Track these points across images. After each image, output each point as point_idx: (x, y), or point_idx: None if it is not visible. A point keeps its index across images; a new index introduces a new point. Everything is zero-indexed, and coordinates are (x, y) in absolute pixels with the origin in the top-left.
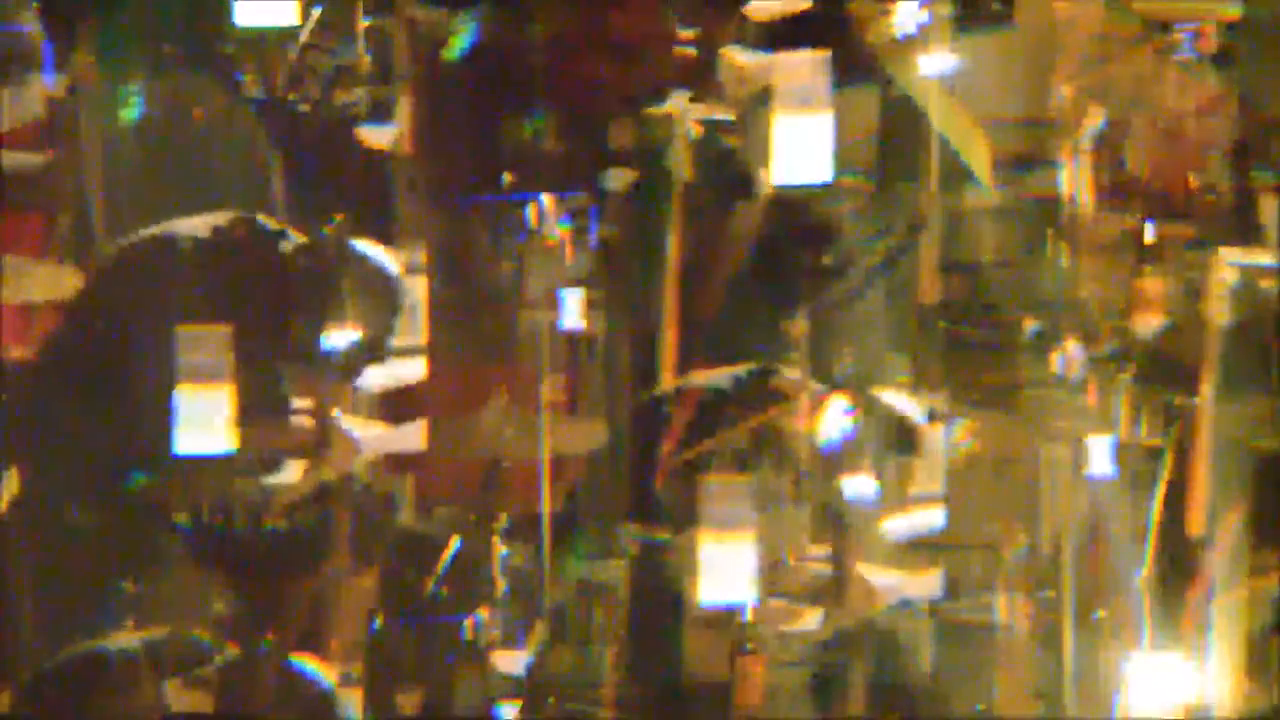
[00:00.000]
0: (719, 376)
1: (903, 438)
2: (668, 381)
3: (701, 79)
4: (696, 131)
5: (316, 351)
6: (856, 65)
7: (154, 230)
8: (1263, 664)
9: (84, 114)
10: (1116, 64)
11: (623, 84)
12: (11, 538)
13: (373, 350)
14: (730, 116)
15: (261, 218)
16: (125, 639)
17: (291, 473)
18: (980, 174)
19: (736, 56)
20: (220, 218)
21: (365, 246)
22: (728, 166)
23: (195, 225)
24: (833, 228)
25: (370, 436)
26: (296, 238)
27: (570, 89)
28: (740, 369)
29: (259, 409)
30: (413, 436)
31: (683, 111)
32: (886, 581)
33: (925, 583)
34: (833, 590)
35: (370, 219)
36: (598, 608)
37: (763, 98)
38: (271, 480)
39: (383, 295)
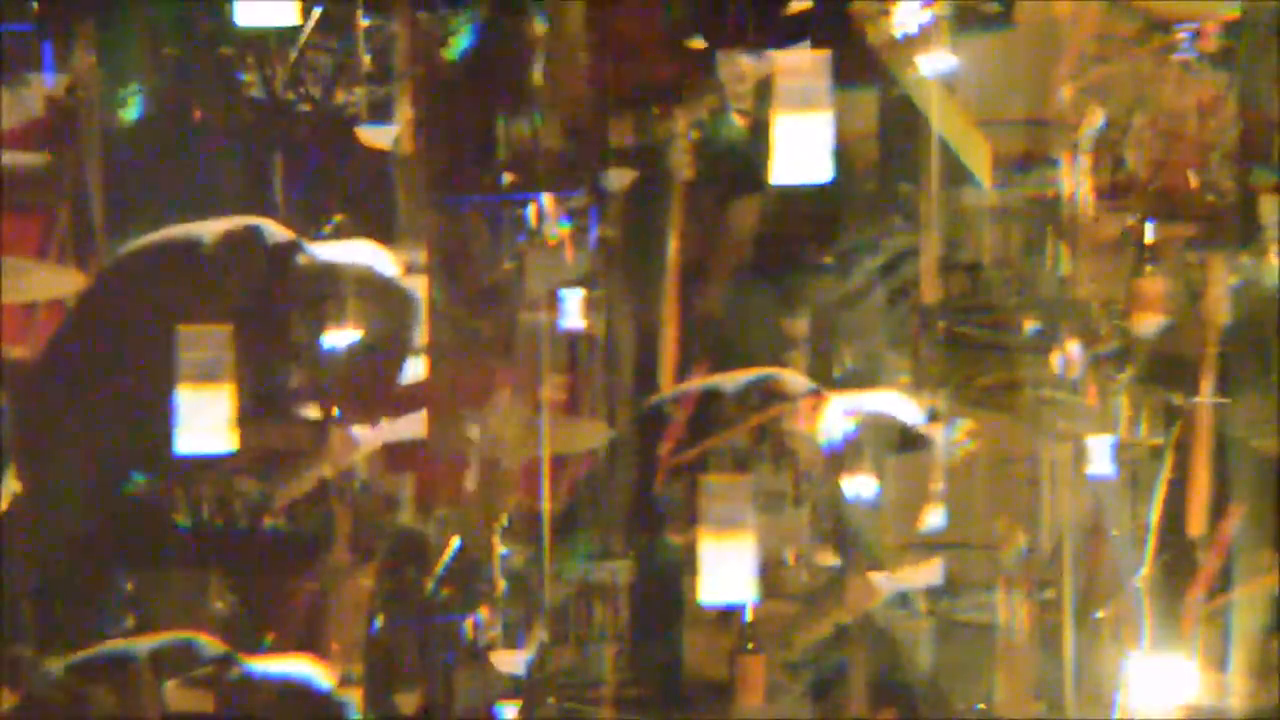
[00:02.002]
0: (721, 381)
1: (905, 439)
2: (668, 385)
3: (702, 78)
4: (741, 123)
5: (318, 353)
6: (857, 65)
7: (163, 234)
8: (1263, 664)
9: (84, 114)
10: (1116, 64)
11: (625, 84)
12: (12, 538)
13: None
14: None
15: (269, 225)
16: (130, 644)
17: (293, 472)
18: (979, 174)
19: (738, 55)
20: (230, 223)
21: (375, 260)
22: (730, 163)
23: (206, 230)
24: (834, 226)
25: (369, 432)
26: (307, 246)
27: (571, 89)
28: (743, 375)
29: (259, 410)
30: (412, 427)
31: (727, 106)
32: (884, 578)
33: (924, 574)
34: (833, 589)
35: (370, 219)
36: (598, 608)
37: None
38: (272, 480)
39: (397, 310)
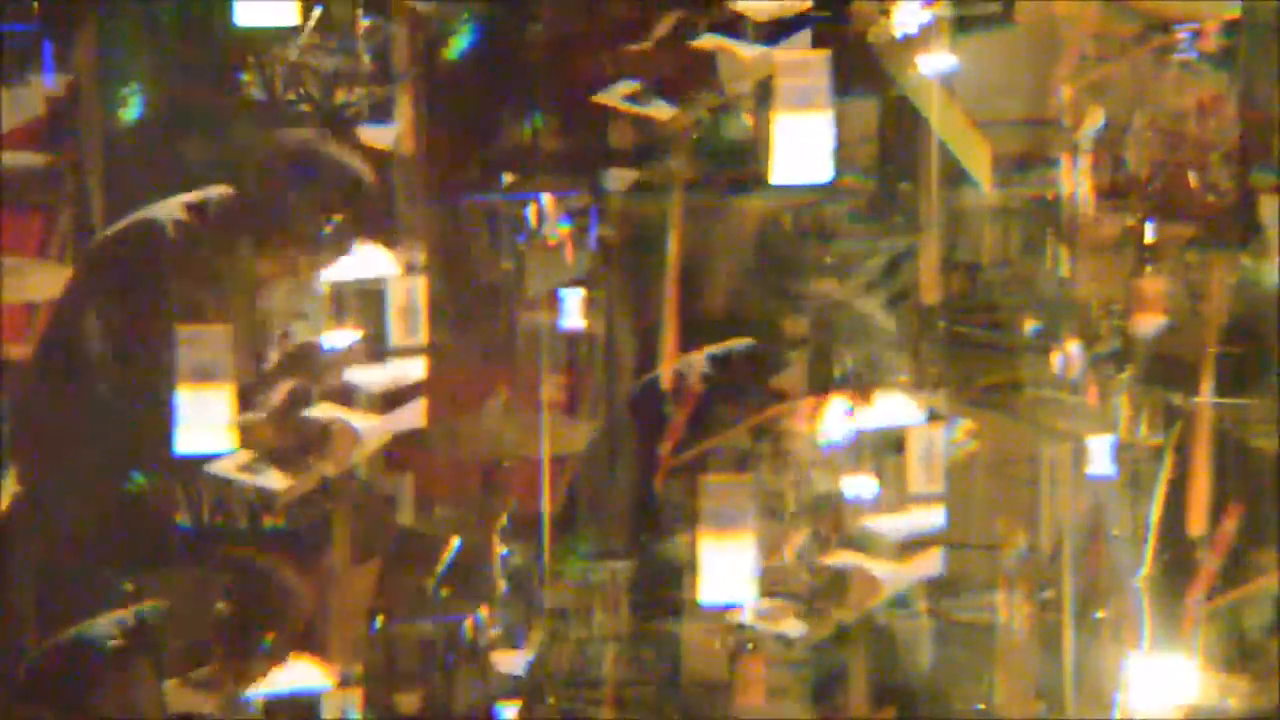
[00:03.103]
0: (710, 353)
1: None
2: (667, 361)
3: (700, 74)
4: (750, 122)
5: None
6: (857, 66)
7: (125, 220)
8: (1263, 664)
9: (84, 114)
10: (1116, 64)
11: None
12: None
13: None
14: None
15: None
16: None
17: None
18: (978, 175)
19: (736, 50)
20: (193, 196)
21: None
22: (730, 161)
23: (164, 209)
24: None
25: (370, 424)
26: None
27: (570, 84)
28: (729, 345)
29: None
30: (412, 416)
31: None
32: (885, 574)
33: (924, 565)
34: (833, 586)
35: (370, 219)
36: (598, 608)
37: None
38: (271, 477)
39: (346, 188)
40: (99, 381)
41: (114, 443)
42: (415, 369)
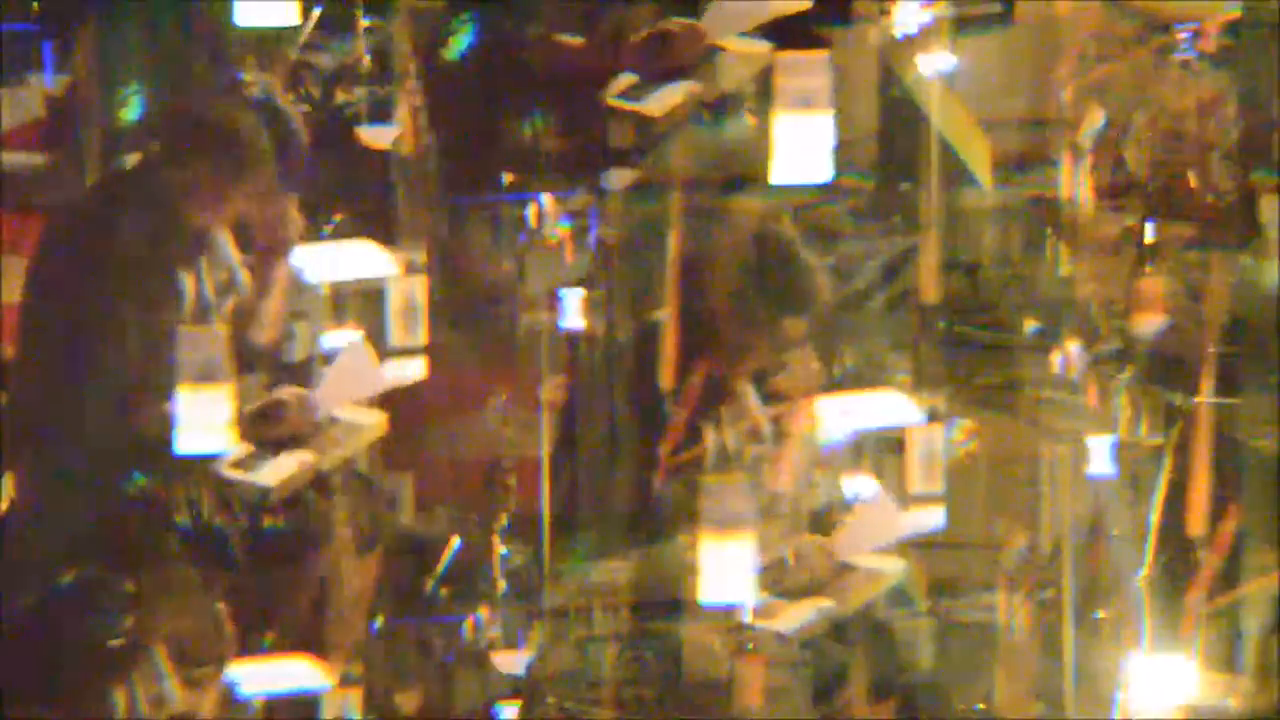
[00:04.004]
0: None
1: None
2: (668, 382)
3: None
4: (752, 123)
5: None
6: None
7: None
8: (1264, 664)
9: (84, 114)
10: (1116, 64)
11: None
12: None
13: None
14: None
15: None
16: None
17: (288, 465)
18: (980, 174)
19: (737, 45)
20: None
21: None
22: (730, 160)
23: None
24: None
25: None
26: None
27: (565, 80)
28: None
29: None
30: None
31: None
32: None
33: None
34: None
35: (370, 219)
36: (598, 608)
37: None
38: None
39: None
40: (80, 361)
41: (112, 439)
42: (415, 369)
